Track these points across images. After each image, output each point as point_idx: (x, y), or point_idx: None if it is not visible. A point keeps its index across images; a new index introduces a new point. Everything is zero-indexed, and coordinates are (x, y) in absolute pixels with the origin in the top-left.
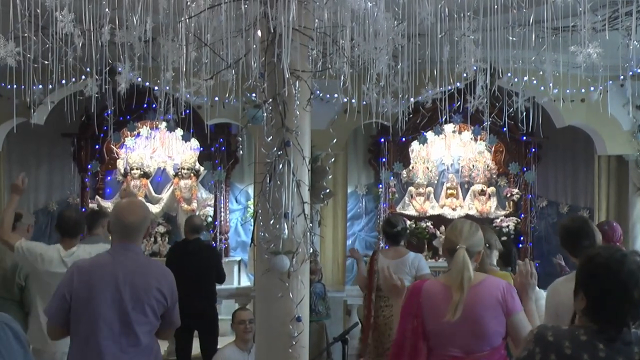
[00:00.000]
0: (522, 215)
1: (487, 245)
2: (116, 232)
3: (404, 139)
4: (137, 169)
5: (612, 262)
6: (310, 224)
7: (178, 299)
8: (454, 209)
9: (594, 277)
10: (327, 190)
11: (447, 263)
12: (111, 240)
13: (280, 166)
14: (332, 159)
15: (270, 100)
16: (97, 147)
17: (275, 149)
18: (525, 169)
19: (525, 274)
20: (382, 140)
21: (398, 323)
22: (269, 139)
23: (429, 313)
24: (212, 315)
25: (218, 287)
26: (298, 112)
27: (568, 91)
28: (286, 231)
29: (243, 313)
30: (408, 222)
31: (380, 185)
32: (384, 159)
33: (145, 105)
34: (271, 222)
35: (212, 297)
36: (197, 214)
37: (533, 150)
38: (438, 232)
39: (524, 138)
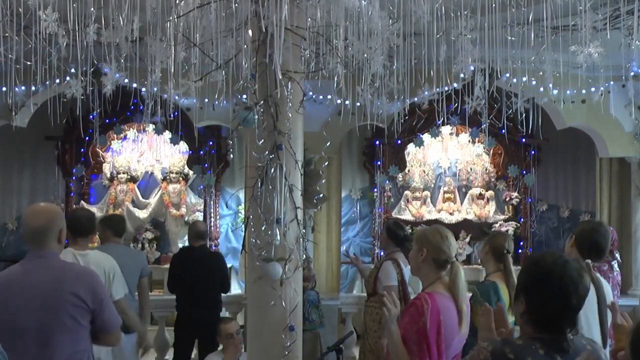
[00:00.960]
0: (522, 219)
1: (507, 251)
2: (26, 239)
3: (399, 142)
4: (123, 173)
5: (555, 267)
6: (303, 230)
7: (182, 307)
8: (451, 214)
9: (537, 281)
10: (321, 195)
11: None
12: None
13: (272, 170)
14: (326, 163)
15: (262, 102)
16: (82, 150)
17: (267, 152)
18: (524, 172)
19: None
20: (377, 142)
21: (418, 346)
22: (261, 142)
23: (448, 330)
24: (214, 325)
25: None
26: (290, 114)
27: (569, 92)
28: (278, 237)
29: (229, 325)
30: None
31: (376, 190)
32: (379, 162)
33: (132, 107)
34: (263, 228)
35: (217, 306)
36: (186, 219)
37: (533, 152)
38: None
39: (524, 140)
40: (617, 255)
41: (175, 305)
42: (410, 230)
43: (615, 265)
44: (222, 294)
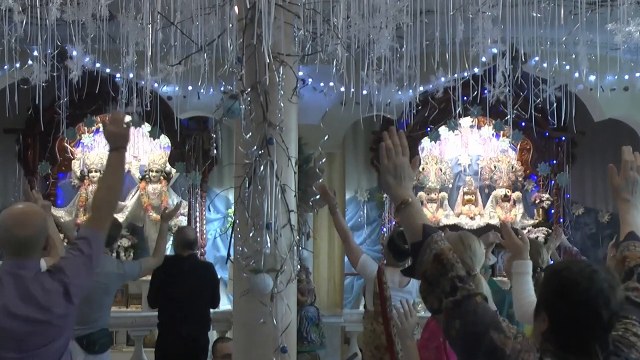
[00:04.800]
0: (554, 225)
1: (540, 269)
2: (6, 248)
3: (412, 136)
4: (96, 171)
5: (580, 278)
6: (298, 237)
7: (166, 324)
8: (472, 218)
9: (560, 294)
10: (318, 197)
11: None
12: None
13: (262, 168)
14: (323, 159)
15: (249, 89)
16: (47, 145)
17: (255, 147)
18: (555, 169)
19: None
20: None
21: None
22: (248, 135)
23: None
24: (203, 344)
25: None
26: (282, 104)
27: (608, 78)
28: (269, 245)
29: (226, 345)
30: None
31: None
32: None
33: (104, 96)
34: (251, 234)
35: (206, 323)
36: (171, 224)
37: (566, 148)
38: None
39: (556, 135)
40: None
41: (157, 322)
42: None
43: None
44: (212, 310)
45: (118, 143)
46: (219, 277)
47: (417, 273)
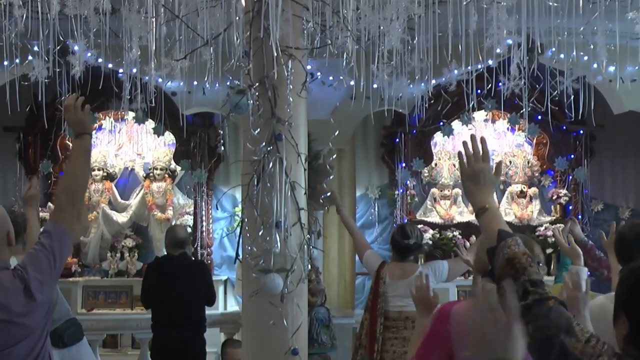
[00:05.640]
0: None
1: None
2: None
3: (424, 130)
4: (99, 169)
5: None
6: (308, 236)
7: (159, 325)
8: None
9: (637, 293)
10: (329, 194)
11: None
12: None
13: (270, 165)
14: (334, 156)
15: (257, 84)
16: (48, 143)
17: (263, 143)
18: (573, 164)
19: (573, 287)
20: (398, 132)
21: (416, 351)
22: (256, 131)
23: (460, 344)
24: (198, 348)
25: None
26: (291, 99)
27: (628, 68)
28: (278, 244)
29: (237, 351)
30: (431, 232)
31: (401, 189)
32: (400, 155)
33: (107, 92)
34: (260, 233)
35: (200, 325)
36: (173, 223)
37: (584, 142)
38: (467, 243)
39: (574, 129)
40: None
41: (150, 325)
42: (438, 235)
43: None
44: (214, 310)
45: (79, 129)
46: (226, 277)
47: (495, 279)
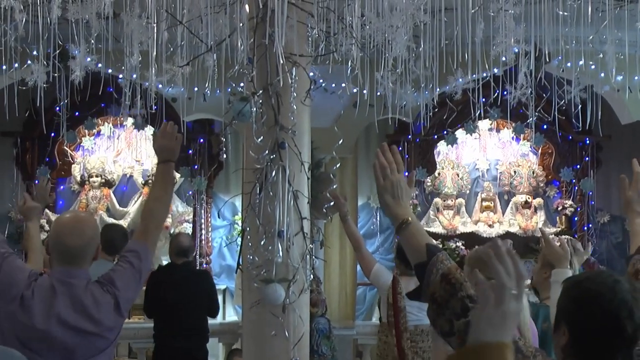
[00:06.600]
0: (577, 234)
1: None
2: (57, 256)
3: (427, 139)
4: (96, 176)
5: (603, 289)
6: (311, 245)
7: (161, 335)
8: (490, 226)
9: (581, 306)
10: (332, 203)
11: None
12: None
13: (273, 173)
14: (338, 164)
15: (261, 91)
16: (46, 149)
17: (266, 151)
18: (579, 174)
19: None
20: (401, 140)
21: None
22: (259, 139)
23: None
24: (201, 356)
25: None
26: (295, 106)
27: (636, 78)
28: (280, 254)
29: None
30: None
31: None
32: (403, 164)
33: (106, 98)
34: (262, 242)
35: (203, 335)
36: (172, 231)
37: (591, 152)
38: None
39: (580, 139)
40: None
41: (152, 334)
42: (441, 246)
43: None
44: (212, 320)
45: (166, 156)
46: (224, 287)
47: (425, 295)
